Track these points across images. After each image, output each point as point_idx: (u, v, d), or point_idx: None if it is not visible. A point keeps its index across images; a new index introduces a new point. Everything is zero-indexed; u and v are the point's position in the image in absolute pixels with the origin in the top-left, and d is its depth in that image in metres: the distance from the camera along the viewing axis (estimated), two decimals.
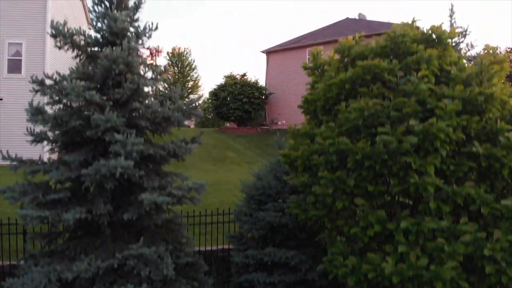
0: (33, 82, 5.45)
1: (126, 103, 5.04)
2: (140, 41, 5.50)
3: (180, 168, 17.50)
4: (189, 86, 42.81)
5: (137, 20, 5.48)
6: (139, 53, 5.31)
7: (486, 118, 4.65)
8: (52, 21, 5.34)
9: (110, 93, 5.00)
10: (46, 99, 5.33)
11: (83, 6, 23.22)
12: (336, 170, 4.65)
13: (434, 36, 5.40)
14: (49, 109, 5.29)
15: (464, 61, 5.68)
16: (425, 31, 5.53)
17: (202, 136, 5.81)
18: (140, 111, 5.04)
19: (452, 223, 4.32)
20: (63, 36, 5.05)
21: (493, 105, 4.56)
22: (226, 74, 29.37)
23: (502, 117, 4.93)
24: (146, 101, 5.12)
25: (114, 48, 4.93)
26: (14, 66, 16.99)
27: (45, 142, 5.29)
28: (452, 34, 5.54)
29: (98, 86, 5.08)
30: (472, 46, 12.30)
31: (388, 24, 26.89)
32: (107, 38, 5.20)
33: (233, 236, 6.56)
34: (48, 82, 5.34)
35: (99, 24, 5.34)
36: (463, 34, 8.47)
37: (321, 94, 5.49)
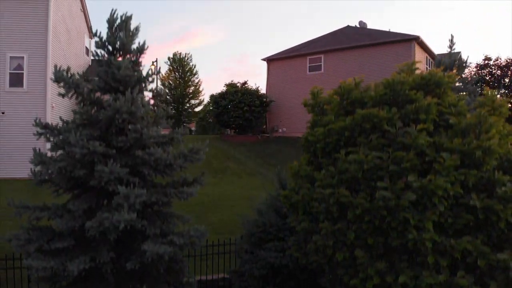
0: (36, 125, 5.52)
1: (129, 150, 5.12)
2: (143, 85, 5.58)
3: None
4: (190, 91, 42.85)
5: (140, 64, 5.56)
6: (142, 98, 5.37)
7: (484, 169, 4.71)
8: (55, 67, 5.41)
9: (113, 140, 5.08)
10: (49, 144, 5.39)
11: (84, 16, 23.31)
12: (336, 220, 4.72)
13: (433, 81, 5.46)
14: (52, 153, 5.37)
15: (464, 102, 5.71)
16: (424, 75, 5.59)
17: (203, 176, 5.87)
18: (143, 158, 5.10)
19: (449, 276, 4.39)
20: (66, 84, 5.12)
21: (490, 158, 4.63)
22: (227, 82, 29.42)
23: (500, 165, 5.00)
24: (149, 149, 5.18)
25: (117, 95, 5.01)
26: (16, 80, 17.06)
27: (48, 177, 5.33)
28: (451, 79, 5.60)
29: (101, 133, 5.15)
30: (466, 65, 12.31)
31: (388, 33, 26.95)
32: (110, 84, 5.27)
33: (234, 271, 6.64)
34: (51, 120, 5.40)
35: (102, 70, 5.40)
36: (463, 65, 8.49)
37: (321, 137, 5.56)
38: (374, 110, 5.00)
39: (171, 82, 42.58)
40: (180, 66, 42.42)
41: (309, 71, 28.72)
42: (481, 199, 4.50)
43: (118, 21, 5.33)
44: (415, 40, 24.73)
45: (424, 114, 4.93)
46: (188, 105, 42.40)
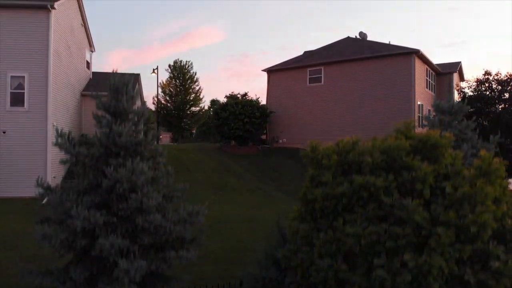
0: (38, 185, 5.59)
1: (130, 217, 5.19)
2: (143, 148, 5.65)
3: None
4: (191, 98, 42.93)
5: (140, 131, 5.63)
6: (143, 166, 5.44)
7: (478, 242, 4.78)
8: (56, 130, 5.49)
9: (114, 206, 5.16)
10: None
11: (85, 29, 23.38)
12: None
13: (429, 144, 5.53)
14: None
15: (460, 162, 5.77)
16: (421, 137, 5.66)
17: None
18: (143, 225, 5.18)
19: None
20: (68, 151, 5.19)
21: (485, 232, 4.70)
22: (228, 94, 29.52)
23: (496, 232, 5.06)
24: (149, 215, 5.25)
25: (118, 159, 5.09)
26: (17, 99, 17.14)
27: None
28: (447, 140, 5.66)
29: (103, 199, 5.22)
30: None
31: (388, 46, 26.95)
32: (111, 149, 5.34)
33: None
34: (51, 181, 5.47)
35: (103, 133, 5.48)
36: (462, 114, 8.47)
37: (320, 198, 5.63)
38: (371, 178, 5.07)
39: (171, 89, 42.67)
40: (181, 73, 42.49)
41: (309, 83, 28.77)
42: (475, 273, 4.58)
43: (120, 85, 5.39)
44: (415, 53, 24.77)
45: (421, 184, 5.00)
46: (188, 112, 42.45)
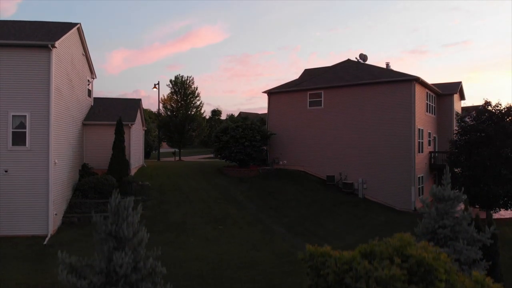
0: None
1: None
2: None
3: (181, 234, 17.83)
4: (192, 113, 43.02)
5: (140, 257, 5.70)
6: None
7: None
8: (60, 254, 5.58)
9: None
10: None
11: (86, 59, 23.49)
12: None
13: (423, 269, 5.62)
14: None
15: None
16: (417, 259, 5.74)
17: None
18: None
19: None
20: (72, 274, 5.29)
21: None
22: (228, 116, 29.60)
23: None
24: None
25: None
26: (19, 138, 17.24)
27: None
28: (443, 263, 5.75)
29: None
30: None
31: (389, 72, 27.00)
32: (112, 277, 5.44)
33: None
34: None
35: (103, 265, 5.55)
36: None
37: None
38: None
39: (173, 104, 42.77)
40: (182, 88, 42.60)
41: (309, 106, 28.86)
42: None
43: (121, 208, 5.49)
44: (415, 80, 24.84)
45: None
46: (189, 127, 42.55)
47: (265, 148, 30.06)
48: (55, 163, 17.77)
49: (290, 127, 29.68)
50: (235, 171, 28.47)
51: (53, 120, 17.46)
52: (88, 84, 24.26)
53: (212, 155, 63.22)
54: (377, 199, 25.54)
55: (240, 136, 27.68)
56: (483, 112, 22.01)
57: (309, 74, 32.73)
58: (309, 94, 28.80)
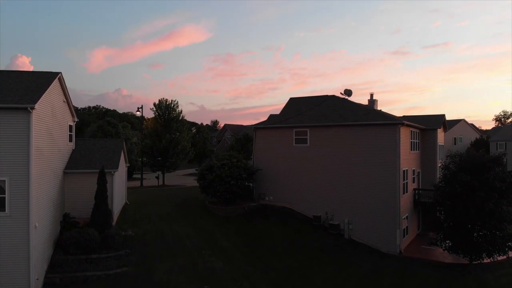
0: None
1: None
2: None
3: None
4: (176, 137, 42.48)
5: None
6: None
7: None
8: None
9: None
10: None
11: (67, 104, 22.85)
12: None
13: None
14: None
15: None
16: None
17: None
18: None
19: None
20: None
21: None
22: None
23: None
24: None
25: None
26: None
27: None
28: None
29: None
30: None
31: (374, 114, 27.06)
32: None
33: None
34: None
35: None
36: None
37: None
38: None
39: (158, 128, 42.11)
40: (166, 113, 42.01)
41: (295, 143, 28.78)
42: None
43: None
44: (400, 124, 25.01)
45: None
46: (174, 151, 42.02)
47: (250, 184, 29.84)
48: (36, 226, 17.21)
49: (276, 162, 29.55)
50: (220, 209, 28.22)
51: (33, 182, 16.88)
52: (69, 129, 23.61)
53: (196, 169, 62.95)
54: (363, 240, 25.64)
55: (226, 175, 27.41)
56: (466, 161, 22.27)
57: (294, 103, 32.64)
58: (295, 131, 28.71)
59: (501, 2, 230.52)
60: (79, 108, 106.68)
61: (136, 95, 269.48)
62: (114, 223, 23.41)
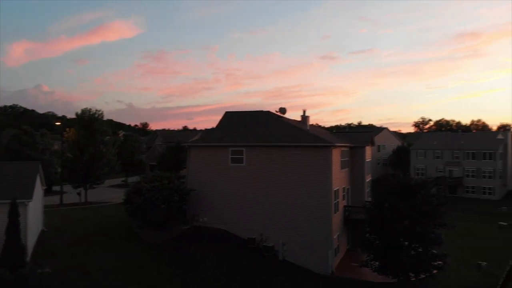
0: None
1: None
2: None
3: None
4: (100, 150, 39.57)
5: None
6: None
7: None
8: None
9: None
10: None
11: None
12: None
13: None
14: None
15: None
16: None
17: None
18: None
19: None
20: None
21: None
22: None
23: None
24: None
25: None
26: None
27: None
28: None
29: None
30: None
31: (308, 136, 27.26)
32: None
33: None
34: None
35: None
36: None
37: None
38: None
39: (80, 141, 38.81)
40: (89, 124, 38.91)
41: (231, 162, 28.07)
42: None
43: None
44: (332, 146, 25.47)
45: None
46: (97, 165, 39.08)
47: (184, 207, 28.42)
48: None
49: (211, 182, 28.57)
50: (150, 234, 26.57)
51: None
52: None
53: (122, 181, 59.42)
54: (297, 261, 25.70)
55: (156, 198, 25.87)
56: (394, 184, 23.17)
57: (230, 118, 31.88)
58: (231, 150, 28.02)
59: (422, 12, 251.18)
60: None
61: (59, 92, 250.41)
62: (29, 257, 20.86)
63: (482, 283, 24.58)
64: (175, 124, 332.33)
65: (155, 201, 25.80)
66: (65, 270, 21.07)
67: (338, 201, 27.43)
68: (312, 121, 33.05)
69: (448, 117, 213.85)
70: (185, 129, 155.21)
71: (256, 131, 28.62)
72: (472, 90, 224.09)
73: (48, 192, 37.57)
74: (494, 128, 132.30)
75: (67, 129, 39.08)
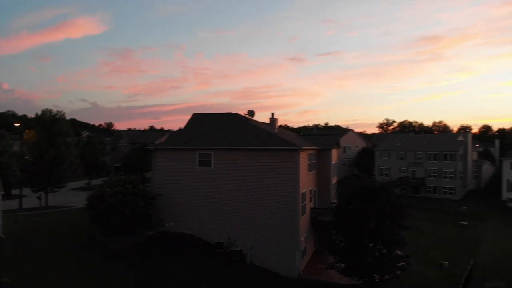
0: None
1: None
2: None
3: None
4: (62, 151, 38.05)
5: None
6: None
7: None
8: None
9: None
10: None
11: None
12: None
13: None
14: None
15: None
16: None
17: None
18: None
19: None
20: None
21: None
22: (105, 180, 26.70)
23: None
24: None
25: None
26: None
27: None
28: None
29: None
30: None
31: (276, 139, 27.29)
32: None
33: None
34: None
35: None
36: None
37: None
38: None
39: (40, 143, 37.18)
40: (50, 125, 37.33)
41: (199, 165, 27.66)
42: None
43: None
44: (300, 150, 25.60)
45: None
46: (59, 169, 37.57)
47: (149, 212, 27.71)
48: None
49: (178, 186, 28.04)
50: (113, 240, 25.72)
51: None
52: None
53: (86, 183, 57.46)
54: (265, 264, 25.64)
55: (120, 204, 25.09)
56: (360, 188, 23.51)
57: (198, 120, 31.45)
58: (199, 153, 27.61)
59: (386, 16, 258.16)
60: None
61: (20, 90, 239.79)
62: None
63: (444, 283, 25.38)
64: (142, 124, 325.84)
65: (119, 207, 25.03)
66: (26, 279, 20.07)
67: (305, 204, 27.60)
68: (280, 122, 33.31)
69: (411, 118, 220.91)
70: (152, 129, 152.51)
71: (224, 134, 28.36)
72: (434, 92, 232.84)
73: (6, 196, 35.76)
74: (455, 129, 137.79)
75: (27, 130, 37.37)
